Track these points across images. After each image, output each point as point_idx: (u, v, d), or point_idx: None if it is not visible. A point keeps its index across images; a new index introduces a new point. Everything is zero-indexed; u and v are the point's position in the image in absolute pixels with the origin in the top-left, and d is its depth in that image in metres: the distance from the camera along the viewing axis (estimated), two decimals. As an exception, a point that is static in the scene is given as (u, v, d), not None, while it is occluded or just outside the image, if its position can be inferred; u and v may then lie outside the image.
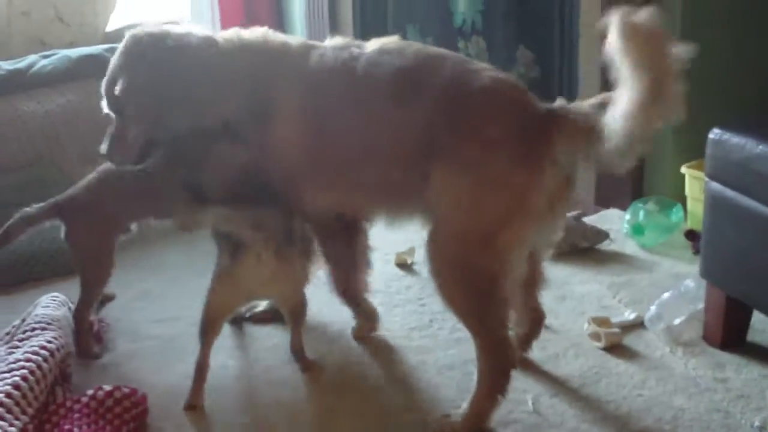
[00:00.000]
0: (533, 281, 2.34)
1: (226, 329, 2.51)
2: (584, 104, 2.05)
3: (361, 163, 2.22)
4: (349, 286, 2.57)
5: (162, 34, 2.35)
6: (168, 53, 2.32)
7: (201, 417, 2.21)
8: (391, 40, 2.32)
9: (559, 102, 2.10)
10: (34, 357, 2.18)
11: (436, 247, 2.12)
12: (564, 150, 2.02)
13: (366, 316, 2.61)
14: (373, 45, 2.31)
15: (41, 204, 2.54)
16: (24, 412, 2.05)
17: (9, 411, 2.02)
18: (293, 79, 2.29)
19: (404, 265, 3.02)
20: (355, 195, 2.32)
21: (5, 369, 2.14)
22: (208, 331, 2.29)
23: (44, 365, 2.18)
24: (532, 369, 2.37)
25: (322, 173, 2.29)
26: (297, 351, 2.44)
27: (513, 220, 2.04)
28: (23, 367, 2.14)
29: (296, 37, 2.46)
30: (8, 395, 2.04)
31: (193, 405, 2.25)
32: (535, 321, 2.41)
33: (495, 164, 2.03)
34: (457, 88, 2.13)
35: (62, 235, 2.54)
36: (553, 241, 2.27)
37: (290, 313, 2.43)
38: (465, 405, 2.14)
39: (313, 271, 2.57)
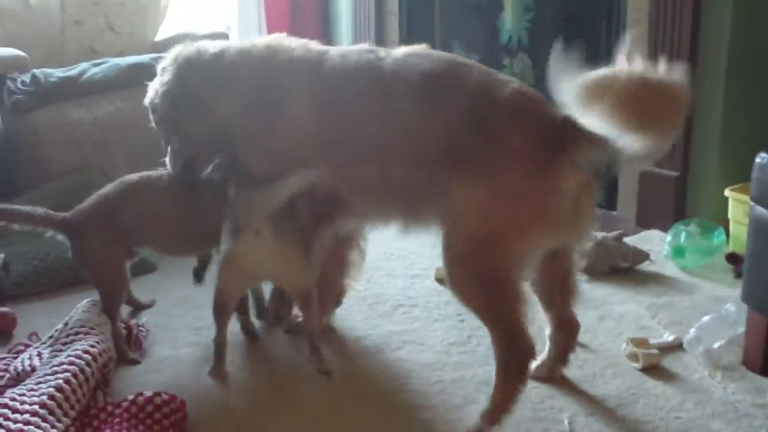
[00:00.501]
0: (567, 291, 2.37)
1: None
2: None
3: (380, 160, 2.25)
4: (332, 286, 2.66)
5: (199, 50, 2.45)
6: (203, 69, 2.41)
7: (237, 425, 2.24)
8: (419, 47, 2.34)
9: None
10: (77, 361, 2.22)
11: (452, 249, 2.16)
12: (582, 154, 2.05)
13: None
14: (401, 50, 2.33)
15: (51, 212, 2.54)
16: (66, 415, 2.09)
17: (51, 413, 2.06)
18: (312, 77, 2.34)
19: (443, 280, 3.02)
20: (369, 193, 2.35)
21: (49, 372, 2.18)
22: (221, 315, 2.40)
23: (87, 369, 2.22)
24: (569, 388, 2.37)
25: (337, 165, 2.33)
26: (311, 342, 2.45)
27: (531, 226, 2.10)
28: (66, 371, 2.18)
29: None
30: (51, 397, 2.08)
31: (216, 374, 2.39)
32: (570, 332, 2.42)
33: (515, 173, 2.06)
34: (481, 96, 2.17)
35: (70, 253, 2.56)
36: (583, 245, 2.30)
37: (298, 298, 2.48)
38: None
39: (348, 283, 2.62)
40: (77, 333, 2.39)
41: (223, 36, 4.14)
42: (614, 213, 3.65)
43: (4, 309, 2.73)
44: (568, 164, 2.07)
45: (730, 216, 3.20)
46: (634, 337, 2.54)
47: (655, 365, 2.46)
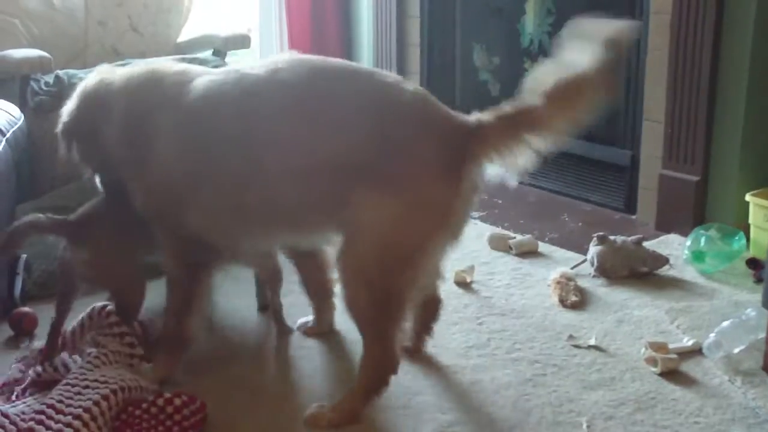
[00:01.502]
0: (438, 274, 2.44)
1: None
2: (498, 113, 2.11)
3: (257, 187, 2.20)
4: (317, 286, 2.70)
5: (101, 80, 2.46)
6: (97, 100, 2.44)
7: (256, 426, 2.25)
8: (299, 57, 2.29)
9: (475, 114, 2.15)
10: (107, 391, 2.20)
11: (351, 260, 2.14)
12: (481, 161, 2.12)
13: (325, 315, 2.72)
14: (277, 63, 2.25)
15: (53, 215, 2.48)
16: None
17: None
18: (175, 109, 2.29)
19: (463, 284, 3.03)
20: (251, 226, 2.31)
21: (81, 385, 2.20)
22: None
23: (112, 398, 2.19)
24: (588, 392, 2.37)
25: (207, 205, 2.29)
26: (275, 314, 2.69)
27: (437, 235, 2.13)
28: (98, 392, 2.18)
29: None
30: (87, 410, 2.09)
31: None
32: (433, 308, 2.53)
33: (420, 181, 2.08)
34: (375, 104, 2.14)
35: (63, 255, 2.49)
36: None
37: (267, 278, 2.69)
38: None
39: None
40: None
41: (245, 38, 4.15)
42: (633, 217, 3.65)
43: (25, 309, 2.76)
44: (470, 169, 2.11)
45: (750, 221, 3.19)
46: (653, 342, 2.54)
47: (674, 370, 2.46)
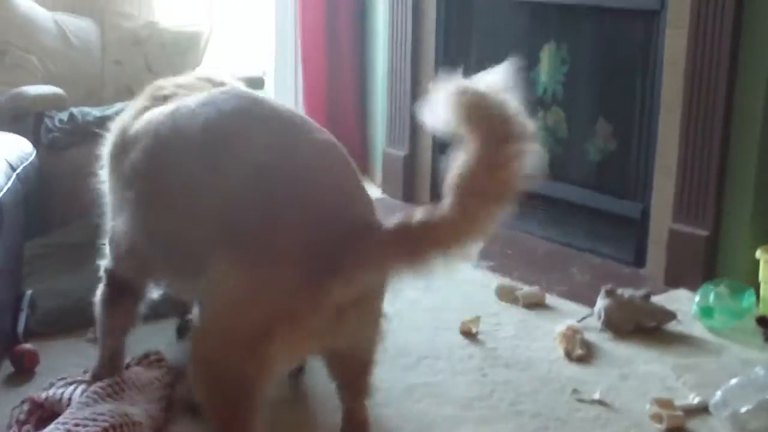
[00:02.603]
0: (359, 390, 2.21)
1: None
2: (401, 222, 1.84)
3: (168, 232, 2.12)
4: None
5: None
6: None
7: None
8: (228, 89, 2.21)
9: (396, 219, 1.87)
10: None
11: (197, 341, 1.98)
12: (358, 279, 1.84)
13: None
14: (200, 95, 2.16)
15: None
16: None
17: None
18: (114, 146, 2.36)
19: (469, 334, 3.01)
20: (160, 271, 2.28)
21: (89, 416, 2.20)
22: None
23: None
24: (591, 448, 2.35)
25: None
26: None
27: (279, 333, 1.84)
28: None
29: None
30: None
31: None
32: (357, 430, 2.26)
33: (269, 273, 1.83)
34: (265, 172, 1.92)
35: None
36: (369, 346, 2.11)
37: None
38: None
39: None
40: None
41: (258, 80, 4.18)
42: (642, 271, 3.62)
43: (27, 346, 2.75)
44: (341, 284, 1.82)
45: (761, 278, 3.17)
46: (659, 398, 2.52)
47: (680, 427, 2.43)
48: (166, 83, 2.48)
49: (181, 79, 2.50)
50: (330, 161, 2.03)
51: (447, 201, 1.78)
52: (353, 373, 2.17)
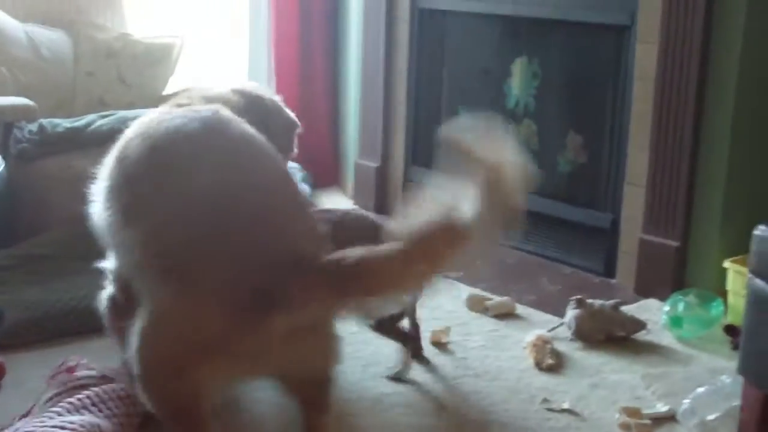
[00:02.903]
0: (318, 407, 2.16)
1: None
2: (334, 260, 1.82)
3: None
4: None
5: None
6: None
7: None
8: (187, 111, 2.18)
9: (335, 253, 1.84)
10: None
11: (135, 360, 1.93)
12: (290, 310, 1.81)
13: None
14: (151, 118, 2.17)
15: None
16: None
17: None
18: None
19: (439, 344, 3.01)
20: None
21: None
22: None
23: None
24: (560, 456, 2.35)
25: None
26: None
27: (207, 360, 1.84)
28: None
29: None
30: None
31: None
32: None
33: (201, 304, 1.82)
34: (216, 196, 1.91)
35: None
36: (321, 367, 2.07)
37: None
38: None
39: None
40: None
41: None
42: (612, 281, 3.64)
43: (-6, 357, 2.72)
44: (262, 318, 1.81)
45: (728, 287, 3.19)
46: (627, 407, 2.53)
47: (648, 436, 2.44)
48: (193, 93, 2.46)
49: (211, 90, 2.47)
50: (271, 196, 1.99)
51: (391, 246, 1.77)
52: (309, 392, 2.14)
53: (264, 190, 2.00)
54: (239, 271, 1.82)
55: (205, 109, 2.21)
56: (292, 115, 2.77)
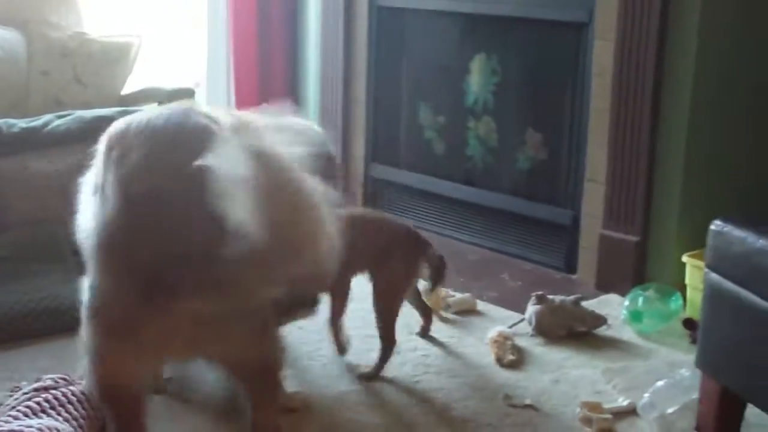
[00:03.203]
0: (261, 400, 2.17)
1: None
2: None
3: None
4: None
5: None
6: None
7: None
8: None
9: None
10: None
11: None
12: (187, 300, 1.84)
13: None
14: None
15: None
16: None
17: None
18: None
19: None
20: None
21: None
22: None
23: None
24: (522, 452, 2.36)
25: None
26: None
27: (119, 342, 1.92)
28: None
29: None
30: None
31: None
32: None
33: (117, 286, 1.89)
34: (135, 189, 1.91)
35: None
36: (255, 356, 2.08)
37: None
38: None
39: None
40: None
41: (189, 92, 4.15)
42: (574, 276, 3.66)
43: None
44: (176, 309, 1.85)
45: (687, 281, 3.22)
46: (588, 401, 2.54)
47: (609, 429, 2.46)
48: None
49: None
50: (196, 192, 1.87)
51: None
52: (252, 384, 2.13)
53: (194, 186, 1.90)
54: (148, 259, 1.84)
55: (182, 104, 2.21)
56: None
